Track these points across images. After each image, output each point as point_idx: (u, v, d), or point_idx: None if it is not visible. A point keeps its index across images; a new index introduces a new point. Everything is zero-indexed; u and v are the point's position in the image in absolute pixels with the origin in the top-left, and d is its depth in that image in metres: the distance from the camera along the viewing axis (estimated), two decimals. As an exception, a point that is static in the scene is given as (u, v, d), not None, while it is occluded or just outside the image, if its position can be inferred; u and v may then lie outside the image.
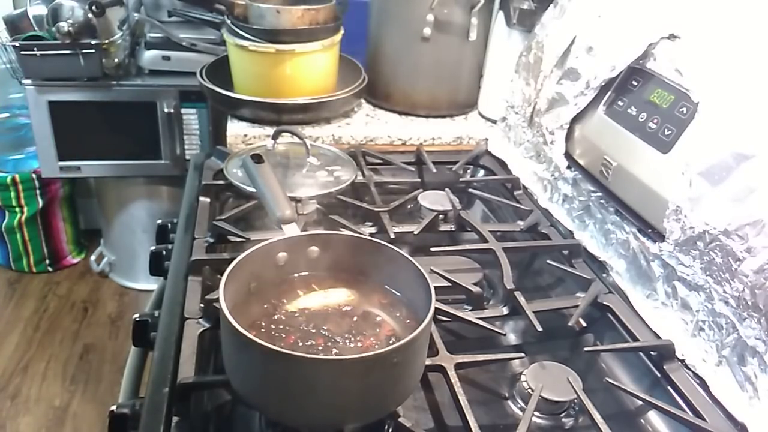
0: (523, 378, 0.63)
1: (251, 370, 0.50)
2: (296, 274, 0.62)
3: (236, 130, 1.09)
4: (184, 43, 1.56)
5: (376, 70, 1.21)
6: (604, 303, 0.74)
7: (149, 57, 1.66)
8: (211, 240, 0.81)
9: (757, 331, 0.58)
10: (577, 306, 0.72)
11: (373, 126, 1.16)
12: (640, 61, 0.77)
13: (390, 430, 0.56)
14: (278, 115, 1.09)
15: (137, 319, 0.75)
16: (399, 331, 0.57)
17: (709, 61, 0.69)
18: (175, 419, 0.55)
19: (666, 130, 0.70)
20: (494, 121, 1.17)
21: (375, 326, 0.58)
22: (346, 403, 0.50)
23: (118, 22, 1.60)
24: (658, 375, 0.66)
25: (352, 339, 0.56)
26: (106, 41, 1.55)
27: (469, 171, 1.07)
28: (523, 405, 0.62)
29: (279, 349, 0.47)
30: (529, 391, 0.62)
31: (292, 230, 0.63)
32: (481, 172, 1.08)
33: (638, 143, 0.73)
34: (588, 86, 0.82)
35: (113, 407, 0.62)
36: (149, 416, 0.55)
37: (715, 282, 0.62)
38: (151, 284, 1.13)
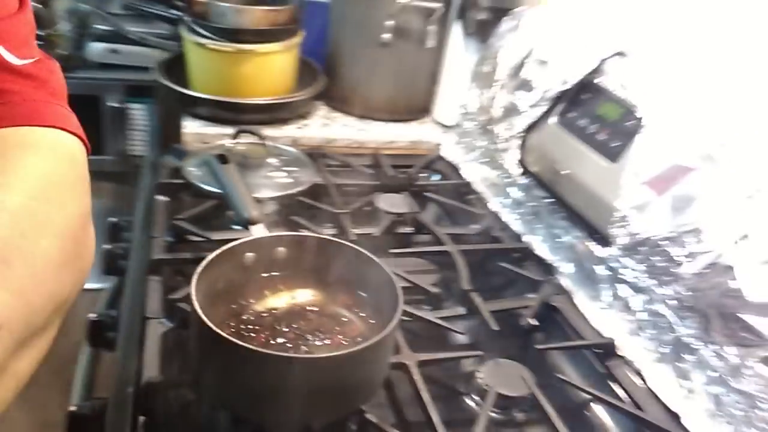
0: (479, 375, 0.66)
1: (223, 368, 0.51)
2: (263, 275, 0.63)
3: (192, 128, 1.08)
4: (133, 37, 1.53)
5: (334, 73, 1.22)
6: (553, 304, 0.78)
7: (96, 49, 1.60)
8: (170, 239, 0.80)
9: (693, 330, 0.63)
10: (528, 306, 0.76)
11: (330, 128, 1.17)
12: (591, 76, 0.82)
13: (355, 426, 0.57)
14: (236, 115, 1.09)
15: (93, 319, 0.74)
16: (365, 331, 0.59)
17: (654, 78, 0.74)
18: (141, 419, 0.55)
19: (614, 141, 0.75)
20: (448, 127, 1.20)
21: (342, 326, 0.60)
22: (317, 400, 0.51)
23: (64, 13, 1.55)
24: (602, 371, 0.70)
25: (321, 337, 0.57)
26: (51, 32, 1.49)
27: (424, 175, 1.10)
28: (480, 401, 0.65)
29: (255, 347, 0.48)
30: (486, 387, 0.65)
31: (259, 231, 0.64)
32: (436, 176, 1.11)
33: (588, 153, 0.78)
34: (541, 98, 0.87)
35: (72, 408, 0.61)
36: (114, 416, 0.55)
37: (657, 285, 0.67)
38: (95, 283, 1.09)
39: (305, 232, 0.67)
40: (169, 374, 0.61)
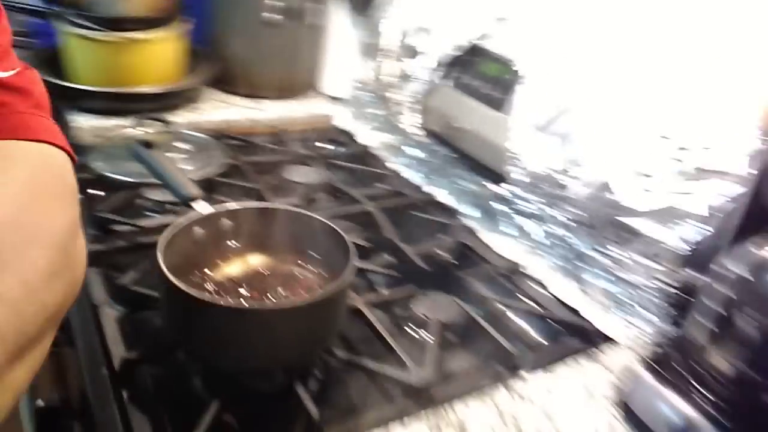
0: (419, 309, 0.75)
1: (202, 328, 0.55)
2: (214, 247, 0.67)
3: (83, 122, 1.05)
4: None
5: (222, 56, 1.23)
6: (464, 242, 0.89)
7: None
8: (96, 232, 0.80)
9: (584, 241, 0.77)
10: (445, 247, 0.86)
11: (226, 111, 1.19)
12: (476, 40, 0.93)
13: (320, 371, 0.64)
14: (127, 105, 1.07)
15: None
16: (322, 284, 0.66)
17: (530, 38, 0.87)
18: (125, 394, 0.57)
19: (500, 94, 0.86)
20: (338, 99, 1.27)
21: (299, 282, 0.65)
22: (290, 345, 0.57)
23: None
24: (512, 288, 0.82)
25: (283, 294, 0.63)
26: None
27: (324, 145, 1.17)
28: (425, 331, 0.74)
29: (231, 304, 0.53)
30: (424, 317, 0.74)
31: (202, 207, 0.68)
32: (336, 146, 1.18)
33: (479, 107, 0.89)
34: (432, 63, 0.96)
35: (39, 402, 0.61)
36: (97, 398, 0.57)
37: (550, 209, 0.80)
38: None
39: (248, 203, 0.71)
40: (136, 352, 0.63)
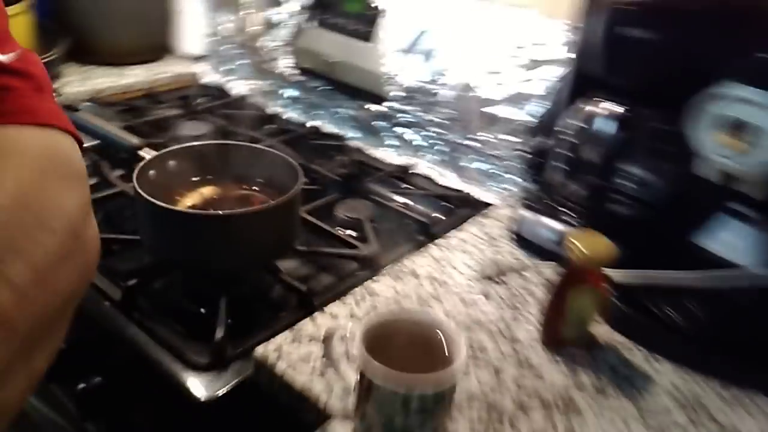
0: (342, 211, 0.90)
1: (190, 240, 0.65)
2: (169, 186, 0.75)
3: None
4: None
5: (76, 28, 1.22)
6: (358, 159, 1.05)
7: None
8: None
9: (458, 135, 0.97)
10: (344, 163, 1.01)
11: (93, 81, 1.20)
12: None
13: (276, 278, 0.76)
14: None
15: None
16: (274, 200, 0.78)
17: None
18: (136, 315, 0.66)
19: (365, 27, 1.02)
20: (199, 57, 1.33)
21: (253, 200, 0.77)
22: (265, 242, 0.69)
23: None
24: (406, 185, 1.01)
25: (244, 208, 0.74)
26: None
27: (201, 100, 1.23)
28: (348, 229, 0.89)
29: (203, 212, 0.64)
30: (346, 217, 0.89)
31: (147, 152, 0.75)
32: (212, 99, 1.25)
33: (350, 41, 1.04)
34: (295, 8, 1.08)
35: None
36: (111, 329, 0.65)
37: (426, 115, 0.99)
38: None
39: (191, 143, 0.79)
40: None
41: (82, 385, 0.66)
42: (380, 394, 0.46)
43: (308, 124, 1.15)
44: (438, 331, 0.50)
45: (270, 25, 1.13)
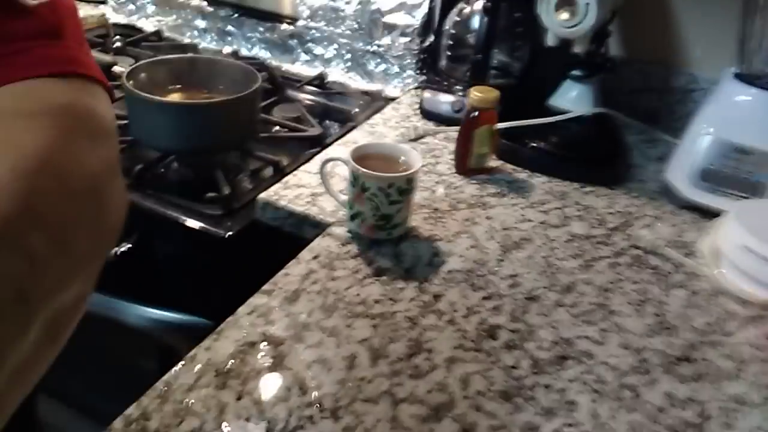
0: (278, 114, 1.10)
1: (176, 126, 0.83)
2: (147, 92, 0.90)
3: None
4: None
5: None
6: (278, 74, 1.23)
7: None
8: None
9: (363, 41, 1.18)
10: (263, 80, 1.19)
11: None
12: None
13: (252, 160, 0.95)
14: None
15: None
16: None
17: None
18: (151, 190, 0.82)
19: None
20: (98, 2, 1.41)
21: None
22: (236, 127, 0.88)
23: None
24: (322, 89, 1.21)
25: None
26: None
27: (116, 39, 1.32)
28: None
29: (194, 101, 0.82)
30: (284, 117, 1.09)
31: (121, 67, 0.89)
32: (125, 37, 1.34)
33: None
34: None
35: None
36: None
37: (334, 29, 1.19)
38: None
39: (161, 56, 0.93)
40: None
41: (114, 250, 0.81)
42: (370, 192, 0.68)
43: (224, 51, 1.30)
44: (401, 154, 0.73)
45: (177, -38, 1.25)
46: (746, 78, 0.82)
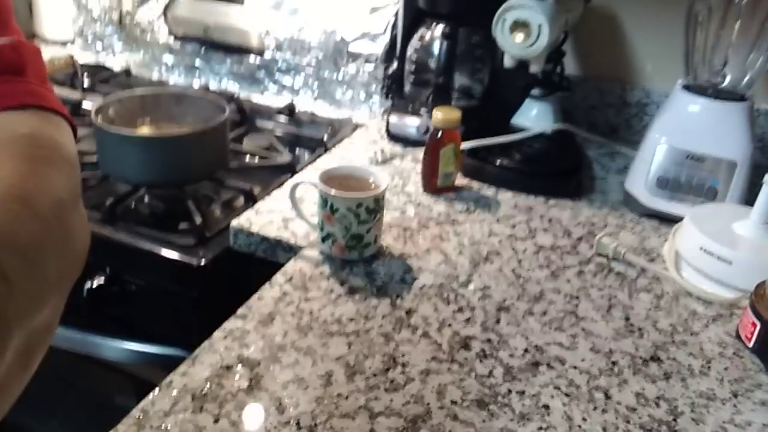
0: (249, 144, 1.11)
1: (146, 159, 0.84)
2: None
3: None
4: None
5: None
6: (243, 105, 1.25)
7: None
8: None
9: (328, 72, 1.21)
10: (232, 111, 1.21)
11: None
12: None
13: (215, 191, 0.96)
14: None
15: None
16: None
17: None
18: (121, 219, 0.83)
19: (236, -7, 1.22)
20: (66, 41, 1.42)
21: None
22: (187, 166, 0.89)
23: None
24: (293, 118, 1.23)
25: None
26: None
27: (86, 78, 1.33)
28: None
29: (163, 134, 0.83)
30: (255, 146, 1.10)
31: (90, 103, 0.90)
32: (93, 76, 1.35)
33: (220, 6, 1.23)
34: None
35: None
36: (108, 222, 0.81)
37: (302, 59, 1.22)
38: None
39: (129, 91, 0.94)
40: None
41: (87, 285, 0.81)
42: (339, 213, 0.70)
43: (194, 85, 1.31)
44: (368, 176, 0.75)
45: (141, 2, 1.28)
46: (694, 89, 0.86)
